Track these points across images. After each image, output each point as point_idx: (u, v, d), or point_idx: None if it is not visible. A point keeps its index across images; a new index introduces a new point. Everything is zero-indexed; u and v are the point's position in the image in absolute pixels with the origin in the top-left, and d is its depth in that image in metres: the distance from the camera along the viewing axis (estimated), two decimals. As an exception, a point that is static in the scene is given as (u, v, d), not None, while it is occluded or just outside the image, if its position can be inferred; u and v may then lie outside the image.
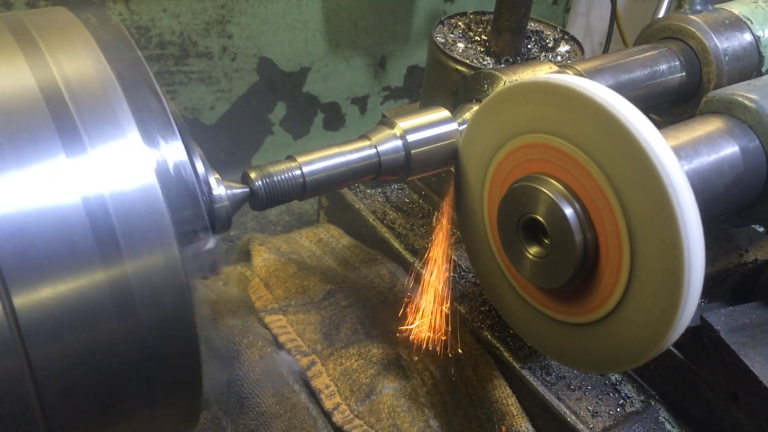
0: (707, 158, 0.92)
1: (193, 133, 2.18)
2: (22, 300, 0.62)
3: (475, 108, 1.02)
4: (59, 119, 0.67)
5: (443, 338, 1.17)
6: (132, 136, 0.70)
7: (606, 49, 2.43)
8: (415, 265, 1.29)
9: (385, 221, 1.39)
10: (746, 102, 0.97)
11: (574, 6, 2.73)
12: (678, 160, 0.77)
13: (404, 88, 2.32)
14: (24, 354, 0.63)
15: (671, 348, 1.06)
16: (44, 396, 0.65)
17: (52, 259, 0.62)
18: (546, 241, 0.89)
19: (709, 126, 0.97)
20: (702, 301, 1.13)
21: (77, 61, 0.72)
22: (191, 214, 0.85)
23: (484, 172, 0.98)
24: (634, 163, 0.77)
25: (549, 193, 0.85)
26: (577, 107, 0.82)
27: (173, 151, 0.87)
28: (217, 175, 0.87)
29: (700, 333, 1.00)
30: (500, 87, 1.05)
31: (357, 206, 1.41)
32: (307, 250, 1.42)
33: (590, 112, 0.80)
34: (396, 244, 1.35)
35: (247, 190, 0.90)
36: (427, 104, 1.36)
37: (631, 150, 0.76)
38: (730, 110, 0.99)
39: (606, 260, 0.84)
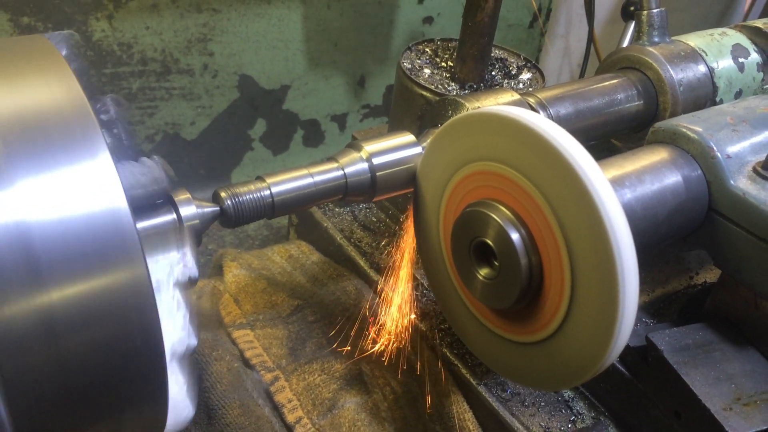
0: (650, 187, 0.97)
1: (174, 148, 2.21)
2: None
3: (437, 134, 1.07)
4: (33, 142, 0.71)
5: (404, 354, 1.21)
6: (103, 156, 0.73)
7: (583, 70, 2.49)
8: (380, 283, 1.33)
9: (352, 240, 1.42)
10: (689, 133, 1.02)
11: (553, 28, 2.80)
12: (615, 189, 0.82)
13: (383, 106, 2.37)
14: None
15: (620, 367, 1.11)
16: (12, 407, 0.69)
17: (14, 277, 0.66)
18: (495, 263, 0.93)
19: (655, 156, 1.02)
20: (650, 322, 1.18)
21: (52, 87, 0.76)
22: (162, 230, 0.89)
23: (440, 196, 1.03)
24: (571, 192, 0.81)
25: (497, 219, 0.90)
26: (521, 137, 0.86)
27: (143, 173, 0.91)
28: (188, 195, 0.91)
29: (645, 352, 1.05)
30: (461, 114, 1.10)
31: (325, 224, 1.44)
32: (277, 265, 1.45)
33: (532, 142, 0.85)
34: (362, 262, 1.38)
35: (218, 209, 0.94)
36: (394, 127, 1.40)
37: (569, 179, 0.81)
38: (675, 140, 1.04)
39: (550, 283, 0.88)
